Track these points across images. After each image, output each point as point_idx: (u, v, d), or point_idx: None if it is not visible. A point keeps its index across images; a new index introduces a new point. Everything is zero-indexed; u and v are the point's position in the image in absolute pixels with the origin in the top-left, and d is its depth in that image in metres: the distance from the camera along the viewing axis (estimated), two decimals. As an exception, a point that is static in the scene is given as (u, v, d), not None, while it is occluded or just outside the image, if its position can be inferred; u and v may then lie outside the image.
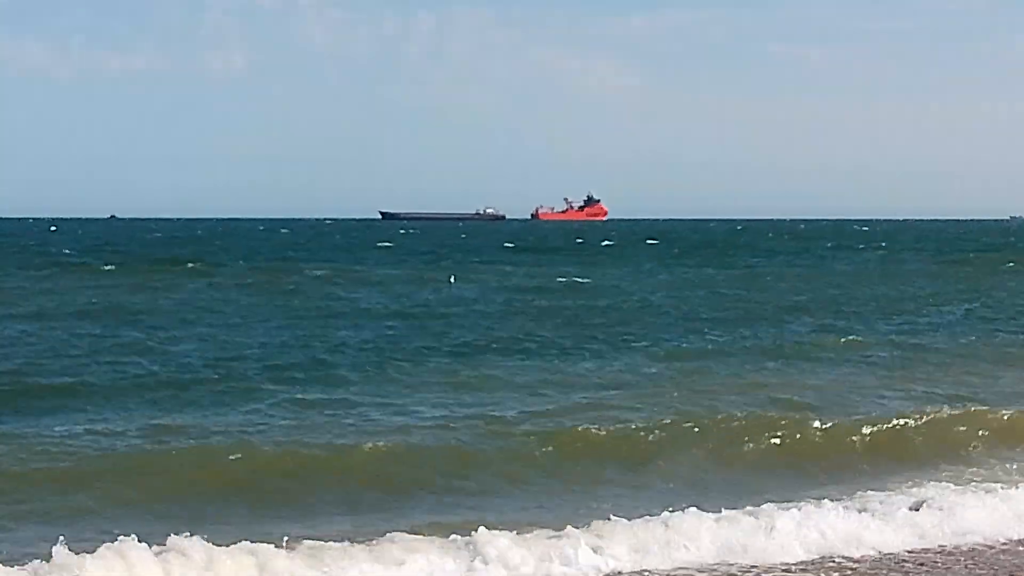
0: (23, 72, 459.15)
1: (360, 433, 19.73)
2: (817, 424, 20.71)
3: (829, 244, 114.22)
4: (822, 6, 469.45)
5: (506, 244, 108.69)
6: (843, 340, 32.61)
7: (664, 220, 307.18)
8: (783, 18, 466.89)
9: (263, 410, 21.86)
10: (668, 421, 20.94)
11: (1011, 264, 72.80)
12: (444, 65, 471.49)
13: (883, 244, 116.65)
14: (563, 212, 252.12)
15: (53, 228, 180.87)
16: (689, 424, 20.80)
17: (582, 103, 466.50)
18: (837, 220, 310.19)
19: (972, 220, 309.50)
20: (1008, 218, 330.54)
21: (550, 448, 19.24)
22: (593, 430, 20.05)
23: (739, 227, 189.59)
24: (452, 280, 56.06)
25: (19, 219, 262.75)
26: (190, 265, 66.91)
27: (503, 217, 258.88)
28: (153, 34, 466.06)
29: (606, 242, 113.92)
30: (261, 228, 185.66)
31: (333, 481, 17.30)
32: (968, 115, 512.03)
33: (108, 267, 64.98)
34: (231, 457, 17.84)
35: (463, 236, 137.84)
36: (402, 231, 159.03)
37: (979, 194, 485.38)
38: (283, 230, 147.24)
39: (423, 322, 37.42)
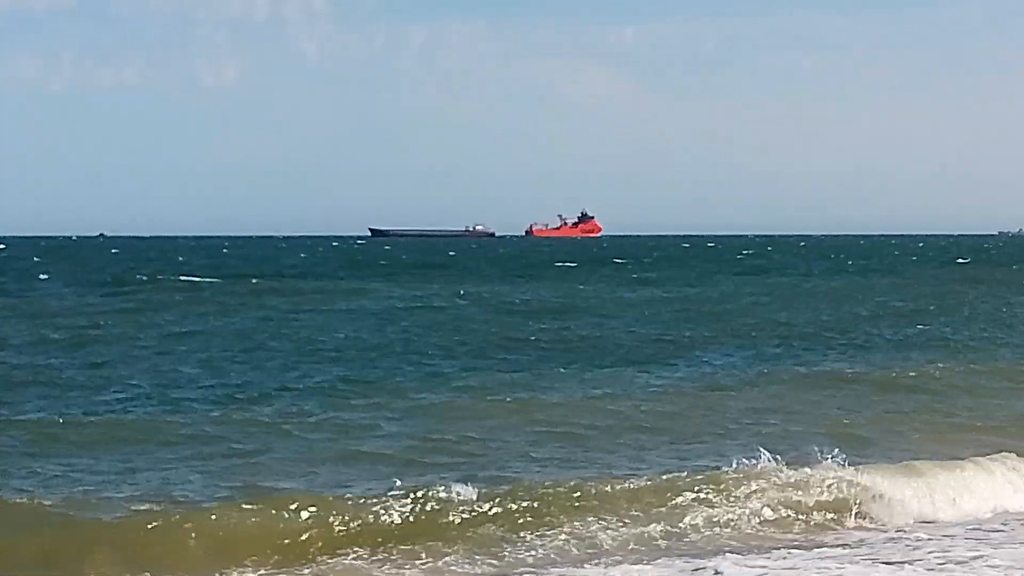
0: (10, 88, 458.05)
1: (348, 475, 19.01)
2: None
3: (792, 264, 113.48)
4: (812, 14, 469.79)
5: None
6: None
7: (657, 236, 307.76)
8: (775, 26, 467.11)
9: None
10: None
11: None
12: (435, 77, 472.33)
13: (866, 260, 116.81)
14: (557, 229, 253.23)
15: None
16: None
17: (575, 115, 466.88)
18: (827, 236, 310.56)
19: (961, 235, 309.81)
20: (997, 233, 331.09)
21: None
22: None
23: (710, 243, 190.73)
24: (461, 293, 56.12)
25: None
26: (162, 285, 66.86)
27: (493, 234, 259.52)
28: (143, 49, 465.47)
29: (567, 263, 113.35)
30: (230, 244, 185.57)
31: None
32: (959, 126, 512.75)
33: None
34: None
35: (451, 254, 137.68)
36: (387, 247, 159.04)
37: (969, 207, 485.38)
38: (282, 245, 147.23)
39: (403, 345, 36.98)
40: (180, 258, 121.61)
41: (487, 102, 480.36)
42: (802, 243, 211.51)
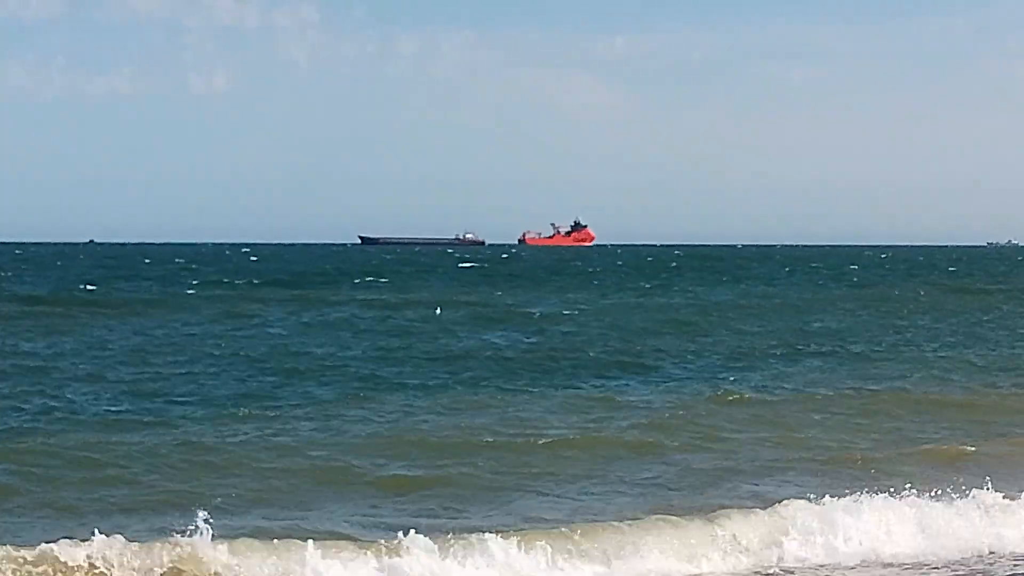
0: (1, 95, 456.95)
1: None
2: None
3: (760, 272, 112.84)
4: (804, 26, 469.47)
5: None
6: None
7: (650, 246, 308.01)
8: (766, 37, 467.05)
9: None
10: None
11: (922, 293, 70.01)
12: (427, 86, 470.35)
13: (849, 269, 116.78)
14: (550, 237, 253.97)
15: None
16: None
17: (567, 124, 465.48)
18: (813, 246, 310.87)
19: (950, 246, 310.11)
20: (986, 244, 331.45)
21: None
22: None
23: (677, 251, 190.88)
24: (438, 311, 55.56)
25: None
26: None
27: (483, 242, 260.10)
28: (134, 56, 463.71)
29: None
30: (214, 250, 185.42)
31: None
32: (948, 138, 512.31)
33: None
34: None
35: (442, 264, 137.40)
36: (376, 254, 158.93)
37: (958, 218, 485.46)
38: (253, 258, 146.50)
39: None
40: (145, 260, 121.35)
41: (478, 111, 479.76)
42: (776, 255, 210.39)
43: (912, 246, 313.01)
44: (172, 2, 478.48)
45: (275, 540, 15.24)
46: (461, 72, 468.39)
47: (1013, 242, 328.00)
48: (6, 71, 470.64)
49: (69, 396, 27.86)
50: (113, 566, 14.14)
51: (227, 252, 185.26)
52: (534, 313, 55.69)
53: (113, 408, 26.39)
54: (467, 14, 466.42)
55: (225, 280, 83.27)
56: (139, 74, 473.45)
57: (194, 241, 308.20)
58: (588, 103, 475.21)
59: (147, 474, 20.14)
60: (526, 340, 42.94)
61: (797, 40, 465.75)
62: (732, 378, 32.55)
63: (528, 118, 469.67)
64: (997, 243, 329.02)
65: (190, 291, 70.74)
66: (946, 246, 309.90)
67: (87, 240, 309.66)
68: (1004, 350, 41.27)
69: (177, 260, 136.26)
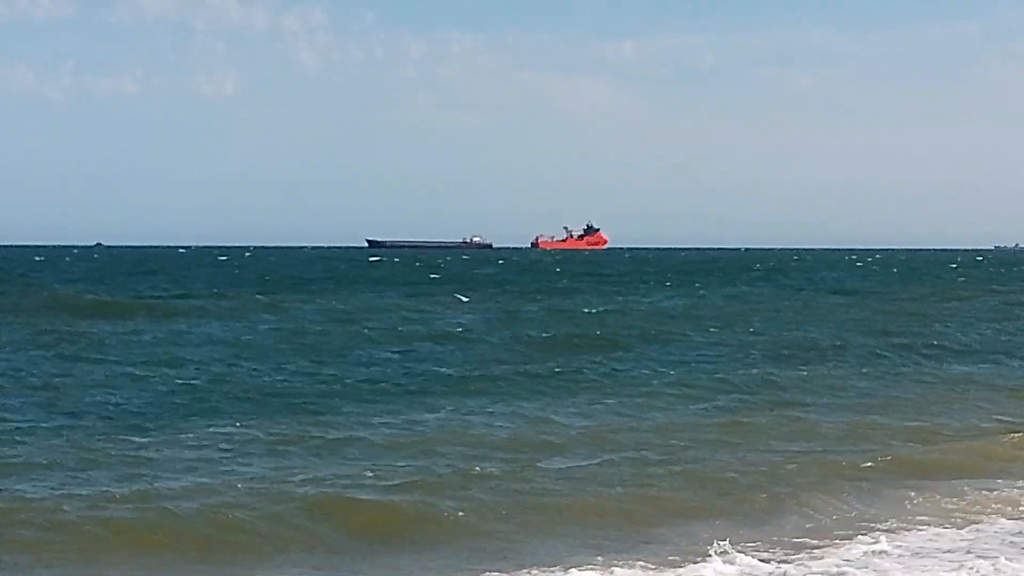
0: (10, 96, 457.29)
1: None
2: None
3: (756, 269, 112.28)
4: (810, 31, 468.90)
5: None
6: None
7: (661, 249, 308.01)
8: (773, 42, 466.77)
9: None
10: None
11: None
12: (435, 89, 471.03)
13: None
14: (563, 241, 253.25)
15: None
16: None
17: (575, 128, 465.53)
18: (827, 249, 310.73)
19: (959, 250, 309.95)
20: (993, 248, 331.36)
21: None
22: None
23: (710, 256, 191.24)
24: (465, 299, 54.83)
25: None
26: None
27: (490, 245, 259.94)
28: (143, 58, 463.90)
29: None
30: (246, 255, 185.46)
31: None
32: (955, 142, 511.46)
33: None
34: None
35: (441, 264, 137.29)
36: (375, 258, 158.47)
37: (968, 222, 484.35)
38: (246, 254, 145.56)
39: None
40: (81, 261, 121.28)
41: (487, 114, 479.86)
42: (795, 257, 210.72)
43: (919, 249, 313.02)
44: (181, 5, 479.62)
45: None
46: (469, 75, 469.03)
47: (1021, 246, 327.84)
48: (16, 72, 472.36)
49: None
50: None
51: (247, 254, 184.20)
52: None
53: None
54: (476, 18, 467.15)
55: (218, 289, 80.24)
56: (148, 76, 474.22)
57: (201, 244, 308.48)
58: (597, 107, 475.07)
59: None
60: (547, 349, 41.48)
61: (805, 44, 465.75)
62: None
63: (537, 122, 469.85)
64: (1005, 246, 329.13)
65: (195, 296, 69.32)
66: (953, 249, 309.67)
67: (95, 243, 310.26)
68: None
69: (182, 256, 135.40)
